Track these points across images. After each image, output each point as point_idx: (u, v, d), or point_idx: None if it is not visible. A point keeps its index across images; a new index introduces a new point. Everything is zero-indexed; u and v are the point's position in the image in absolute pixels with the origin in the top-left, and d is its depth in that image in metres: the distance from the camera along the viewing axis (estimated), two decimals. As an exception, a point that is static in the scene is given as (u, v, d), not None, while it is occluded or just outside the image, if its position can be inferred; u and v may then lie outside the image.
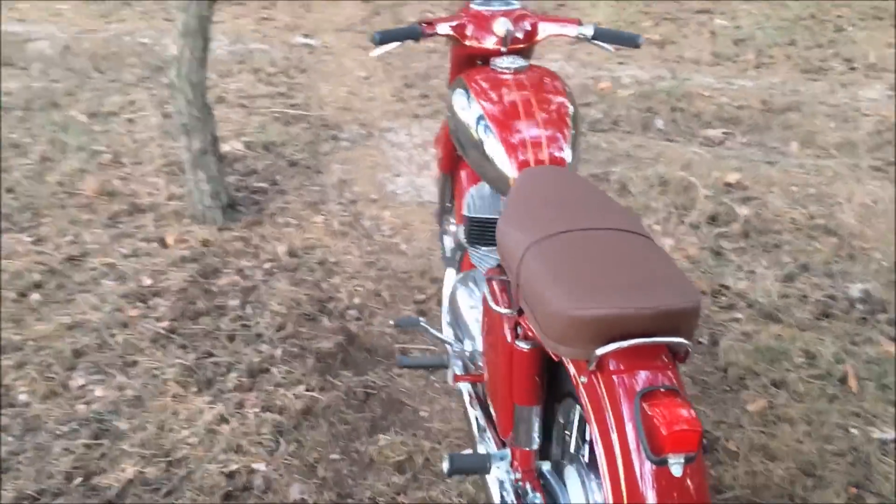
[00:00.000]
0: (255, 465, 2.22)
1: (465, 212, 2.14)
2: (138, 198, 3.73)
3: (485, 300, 1.79)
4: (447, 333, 2.25)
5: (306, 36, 6.65)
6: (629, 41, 2.20)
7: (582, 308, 1.34)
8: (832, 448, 2.24)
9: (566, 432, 1.67)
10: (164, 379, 2.55)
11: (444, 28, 2.16)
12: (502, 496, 1.77)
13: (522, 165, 1.88)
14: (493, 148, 1.92)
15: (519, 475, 1.73)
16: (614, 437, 1.33)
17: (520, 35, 2.16)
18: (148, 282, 3.09)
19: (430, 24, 2.16)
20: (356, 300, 3.01)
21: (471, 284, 2.17)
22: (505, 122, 1.93)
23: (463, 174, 2.52)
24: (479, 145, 1.96)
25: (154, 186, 3.84)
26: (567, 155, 1.90)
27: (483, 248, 2.13)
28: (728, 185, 3.65)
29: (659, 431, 1.24)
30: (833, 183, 3.64)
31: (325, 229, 3.50)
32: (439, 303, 2.99)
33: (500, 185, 1.92)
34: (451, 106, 2.13)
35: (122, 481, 2.16)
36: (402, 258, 3.31)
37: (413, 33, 2.14)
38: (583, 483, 1.59)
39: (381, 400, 2.52)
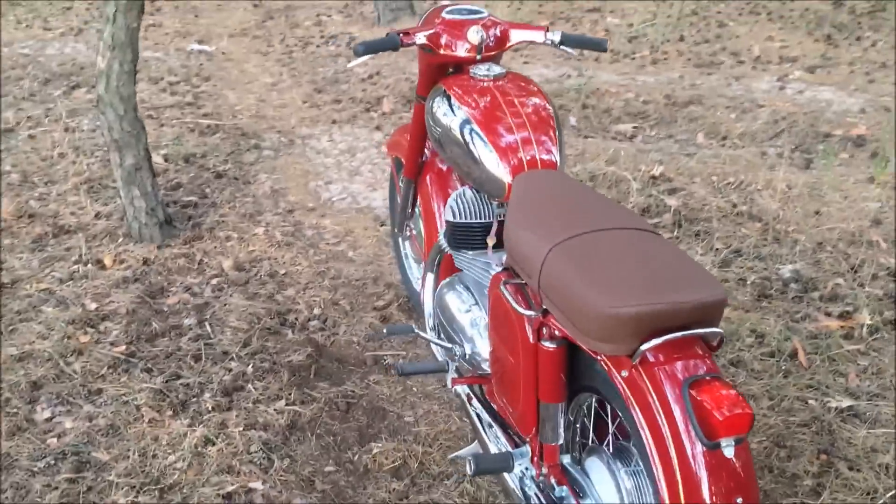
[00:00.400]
0: (251, 485, 2.19)
1: (448, 217, 2.18)
2: (62, 218, 3.59)
3: (496, 303, 1.84)
4: (435, 337, 2.29)
5: (200, 42, 6.51)
6: (596, 46, 2.30)
7: (623, 306, 1.41)
8: (796, 419, 2.41)
9: (578, 425, 1.75)
10: (137, 405, 2.48)
11: (420, 38, 2.20)
12: (524, 493, 1.83)
13: (516, 170, 1.94)
14: (485, 154, 1.97)
15: (543, 470, 1.79)
16: (664, 425, 1.40)
17: (491, 42, 2.22)
18: (93, 306, 2.98)
19: (408, 33, 2.19)
20: (316, 311, 3.00)
21: (459, 288, 2.21)
22: (495, 128, 1.99)
23: (429, 179, 2.56)
24: (468, 152, 2.01)
25: (77, 205, 3.70)
26: (556, 158, 1.97)
27: (469, 252, 2.18)
28: (654, 177, 3.83)
29: (713, 416, 1.33)
30: (748, 171, 3.88)
31: (267, 241, 3.46)
32: (400, 308, 3.02)
33: (493, 189, 1.98)
34: (432, 114, 2.17)
35: (116, 513, 2.09)
36: (351, 266, 3.31)
37: (392, 43, 2.17)
38: (611, 472, 1.67)
39: (364, 409, 2.53)
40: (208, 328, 2.88)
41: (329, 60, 6.06)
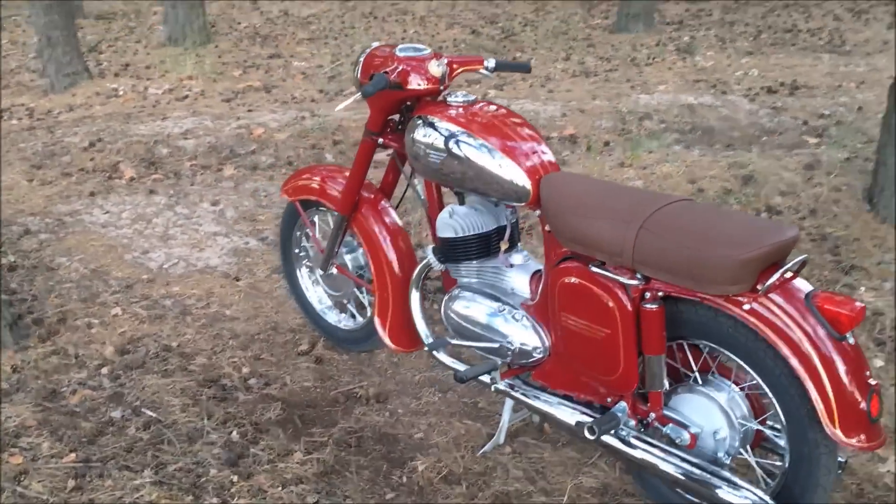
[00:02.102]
0: None
1: (447, 235, 2.41)
2: None
3: (570, 289, 2.12)
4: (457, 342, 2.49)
5: None
6: (523, 68, 2.68)
7: (748, 252, 1.83)
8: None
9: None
10: (150, 500, 2.30)
11: (394, 77, 2.38)
12: (629, 444, 2.14)
13: (533, 175, 2.24)
14: (505, 165, 2.24)
15: (651, 416, 2.13)
16: (795, 331, 1.84)
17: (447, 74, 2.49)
18: None
19: (387, 72, 2.37)
20: (245, 370, 2.96)
21: (472, 296, 2.43)
22: (503, 143, 2.28)
23: (369, 214, 2.73)
24: (483, 167, 2.26)
25: None
26: (555, 160, 2.33)
27: (474, 261, 2.43)
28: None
29: (840, 315, 1.81)
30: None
31: (133, 319, 3.26)
32: (325, 346, 3.09)
33: (516, 196, 2.25)
34: (421, 143, 2.36)
35: None
36: (239, 323, 3.27)
37: (384, 82, 2.33)
38: (708, 398, 2.07)
39: (373, 439, 2.61)
40: (148, 413, 2.69)
41: (27, 135, 5.56)
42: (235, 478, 2.38)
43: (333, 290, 3.03)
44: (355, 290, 2.97)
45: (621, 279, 2.01)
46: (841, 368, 1.82)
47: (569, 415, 2.25)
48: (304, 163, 4.96)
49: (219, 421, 2.65)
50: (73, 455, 2.50)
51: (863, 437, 1.81)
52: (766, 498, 1.93)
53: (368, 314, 2.97)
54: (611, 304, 2.04)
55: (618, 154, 4.58)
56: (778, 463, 2.05)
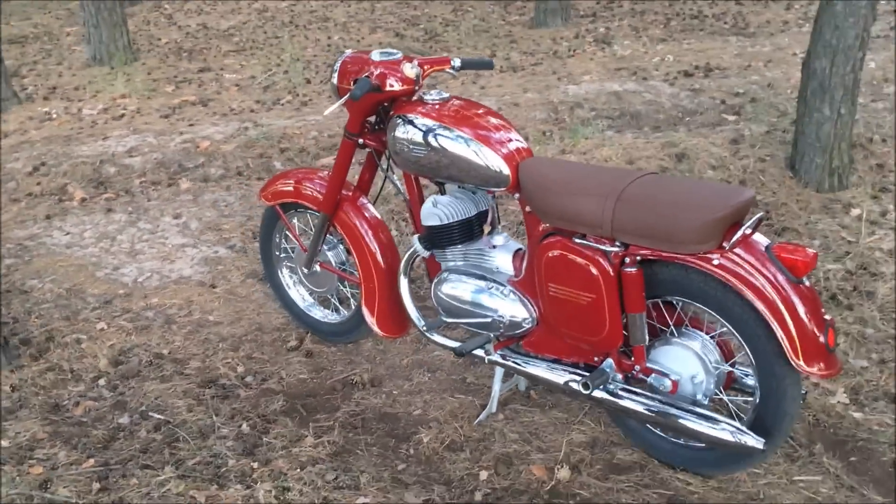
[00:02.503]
0: (357, 502, 2.39)
1: (433, 223, 2.62)
2: None
3: (555, 260, 2.36)
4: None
5: None
6: (486, 66, 2.91)
7: (716, 212, 2.10)
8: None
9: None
10: (178, 492, 2.45)
11: (374, 79, 2.58)
12: (617, 395, 2.39)
13: (511, 161, 2.47)
14: (485, 154, 2.46)
15: (636, 368, 2.38)
16: (759, 279, 2.12)
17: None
18: (4, 443, 2.73)
19: (368, 76, 2.56)
20: (240, 369, 3.11)
21: (460, 278, 2.65)
22: (481, 134, 2.50)
23: (351, 211, 2.93)
24: (465, 157, 2.48)
25: None
26: (527, 146, 2.56)
27: (459, 245, 2.66)
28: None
29: (796, 262, 2.10)
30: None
31: (120, 332, 3.37)
32: (312, 340, 3.26)
33: (497, 182, 2.47)
34: (403, 140, 2.57)
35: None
36: (225, 327, 3.41)
37: (368, 86, 2.53)
38: (685, 348, 2.34)
39: (375, 419, 2.80)
40: (156, 416, 2.83)
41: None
42: (255, 464, 2.54)
43: (317, 286, 3.19)
44: (339, 284, 3.15)
45: (603, 248, 2.25)
46: (800, 308, 2.10)
47: (560, 376, 2.49)
48: (255, 172, 5.09)
49: (226, 416, 2.80)
50: (91, 461, 2.61)
51: (822, 365, 2.10)
52: (744, 428, 2.20)
53: (352, 307, 3.15)
54: (594, 271, 2.28)
55: (557, 142, 4.86)
56: (749, 398, 2.33)
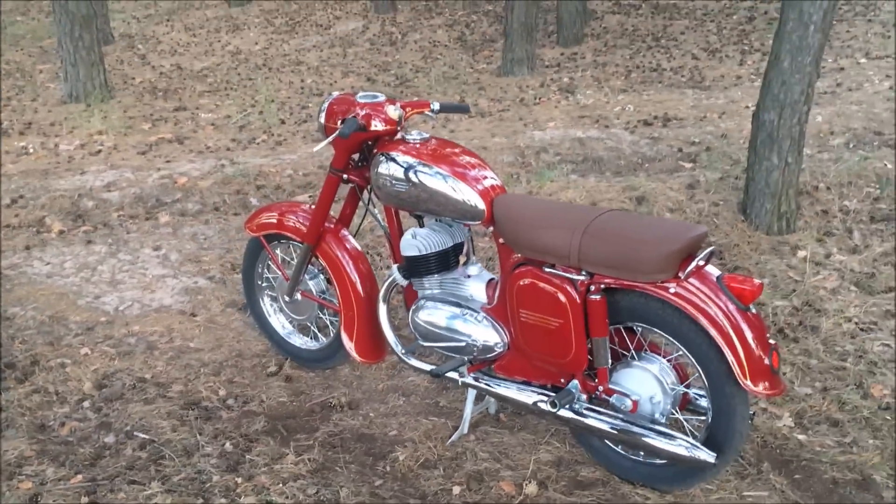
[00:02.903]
0: None
1: (412, 254, 2.81)
2: None
3: (526, 289, 2.56)
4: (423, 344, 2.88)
5: None
6: (463, 110, 3.14)
7: (673, 245, 2.33)
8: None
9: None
10: (167, 506, 2.57)
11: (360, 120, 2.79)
12: (581, 414, 2.59)
13: (486, 197, 2.69)
14: (462, 190, 2.67)
15: (600, 388, 2.58)
16: (711, 307, 2.33)
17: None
18: None
19: (354, 117, 2.77)
20: (222, 392, 3.24)
21: (436, 305, 2.84)
22: (459, 172, 2.71)
23: (333, 242, 3.11)
24: (443, 193, 2.69)
25: None
26: (501, 183, 2.78)
27: (436, 275, 2.85)
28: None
29: (744, 291, 2.33)
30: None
31: (103, 357, 3.49)
32: (291, 366, 3.41)
33: (473, 216, 2.68)
34: (385, 176, 2.77)
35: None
36: (205, 354, 3.55)
37: (356, 125, 2.73)
38: (643, 370, 2.55)
39: (353, 439, 2.95)
40: (141, 436, 2.95)
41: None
42: (239, 479, 2.67)
43: (298, 314, 3.36)
44: (318, 312, 3.31)
45: (570, 276, 2.46)
46: (748, 333, 2.32)
47: (529, 397, 2.67)
48: (231, 208, 5.25)
49: (210, 436, 2.93)
50: (79, 477, 2.73)
51: (767, 384, 2.32)
52: (697, 444, 2.40)
53: (331, 334, 3.32)
54: (562, 297, 2.48)
55: (524, 184, 5.10)
56: (702, 418, 2.54)
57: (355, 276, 3.07)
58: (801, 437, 2.83)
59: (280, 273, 3.30)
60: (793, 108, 4.19)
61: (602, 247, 2.38)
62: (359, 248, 3.14)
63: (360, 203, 3.11)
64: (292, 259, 3.37)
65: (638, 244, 2.34)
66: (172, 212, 4.99)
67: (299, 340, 3.39)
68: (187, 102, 7.82)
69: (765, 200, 4.33)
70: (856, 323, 3.51)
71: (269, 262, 3.41)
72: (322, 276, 3.29)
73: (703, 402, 2.55)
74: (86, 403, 3.16)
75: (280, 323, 3.46)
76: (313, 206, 3.17)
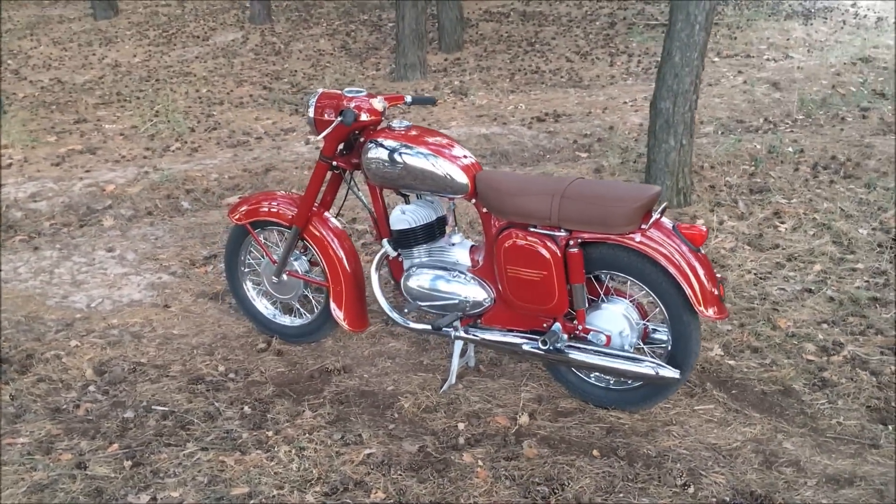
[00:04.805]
0: (366, 451, 2.93)
1: (402, 227, 3.24)
2: None
3: (512, 248, 3.02)
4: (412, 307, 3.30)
5: None
6: (430, 102, 3.58)
7: (638, 201, 2.86)
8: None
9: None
10: (207, 460, 2.88)
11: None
12: (562, 351, 3.08)
13: (468, 172, 3.14)
14: (448, 168, 3.11)
15: (580, 327, 3.08)
16: (669, 250, 2.89)
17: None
18: (21, 441, 3.05)
19: (349, 109, 3.16)
20: (221, 368, 3.54)
21: (427, 272, 3.26)
22: (443, 152, 3.16)
23: (320, 225, 3.49)
24: (430, 171, 3.12)
25: None
26: (477, 161, 3.25)
27: (424, 245, 3.29)
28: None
29: (695, 236, 2.90)
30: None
31: (94, 347, 3.69)
32: (279, 342, 3.74)
33: (457, 190, 3.13)
34: (376, 160, 3.17)
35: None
36: (191, 338, 3.82)
37: (353, 116, 3.13)
38: (613, 308, 3.08)
39: (356, 395, 3.32)
40: (161, 408, 3.23)
41: None
42: (269, 433, 3.00)
43: (284, 293, 3.68)
44: (303, 290, 3.66)
45: (552, 234, 2.95)
46: (699, 269, 2.87)
47: (517, 341, 3.14)
48: (164, 212, 5.46)
49: (226, 403, 3.23)
50: (114, 445, 2.97)
51: (716, 309, 2.87)
52: (661, 363, 2.94)
53: (315, 310, 3.67)
54: (545, 253, 2.97)
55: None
56: (663, 346, 3.08)
57: (341, 253, 3.44)
58: (730, 362, 3.43)
59: (266, 257, 3.61)
60: (684, 96, 4.85)
61: (578, 207, 2.88)
62: (342, 227, 3.51)
63: (345, 185, 3.48)
64: (275, 244, 3.70)
65: (608, 203, 2.85)
66: (116, 216, 5.14)
67: (287, 320, 3.71)
68: (86, 115, 7.83)
69: (665, 178, 4.98)
70: (755, 273, 4.18)
71: (252, 249, 3.71)
72: (305, 258, 3.63)
73: (660, 335, 3.09)
74: (91, 388, 3.37)
75: (264, 305, 3.77)
76: (294, 193, 3.54)
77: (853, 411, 3.07)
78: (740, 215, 4.88)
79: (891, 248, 4.34)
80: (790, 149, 5.83)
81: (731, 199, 5.09)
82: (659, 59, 9.37)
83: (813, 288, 3.98)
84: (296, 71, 9.57)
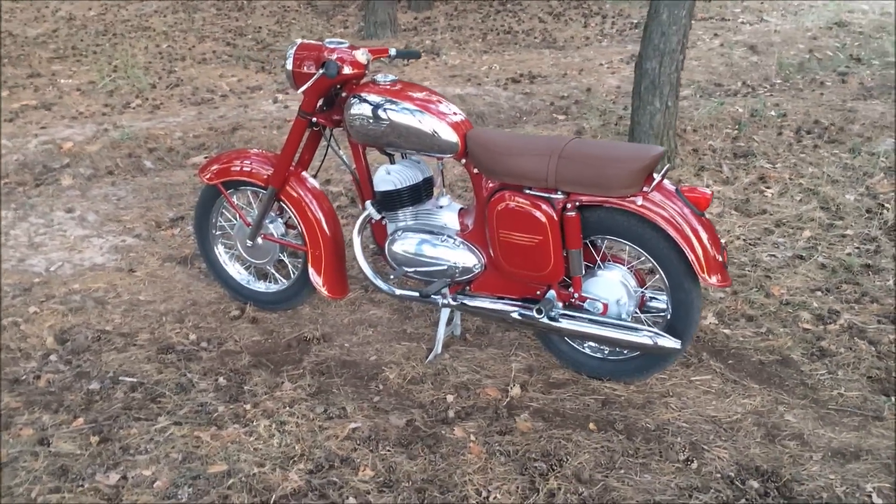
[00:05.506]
0: (352, 425, 2.75)
1: (387, 188, 3.05)
2: None
3: (506, 211, 2.85)
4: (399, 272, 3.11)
5: None
6: (415, 56, 3.37)
7: (639, 162, 2.70)
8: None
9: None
10: (182, 435, 2.69)
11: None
12: (556, 320, 2.93)
13: (459, 131, 2.95)
14: (437, 126, 2.92)
15: (575, 295, 2.92)
16: (673, 214, 2.74)
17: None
18: None
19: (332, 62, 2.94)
20: (193, 336, 3.33)
21: (414, 235, 3.07)
22: (431, 109, 2.96)
23: (297, 185, 3.28)
24: (419, 129, 2.93)
25: None
26: (468, 119, 3.06)
27: (410, 207, 3.11)
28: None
29: (699, 199, 2.75)
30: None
31: (55, 314, 3.47)
32: (252, 309, 3.54)
33: (447, 149, 2.94)
34: (359, 116, 2.96)
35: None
36: (159, 305, 3.60)
37: (337, 68, 2.91)
38: (611, 275, 2.93)
39: (338, 365, 3.15)
40: (129, 379, 3.03)
41: None
42: (247, 406, 2.82)
43: (258, 258, 3.47)
44: (279, 254, 3.45)
45: (548, 196, 2.78)
46: (703, 234, 2.73)
47: (509, 309, 2.98)
48: (126, 172, 5.20)
49: (199, 374, 3.04)
50: (79, 420, 2.77)
51: (720, 276, 2.74)
52: (660, 331, 2.80)
53: (292, 276, 3.47)
54: (541, 217, 2.80)
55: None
56: (662, 314, 2.94)
57: (320, 215, 3.24)
58: (725, 331, 3.32)
59: (240, 219, 3.40)
60: (671, 56, 4.70)
61: (576, 168, 2.71)
62: (319, 187, 3.31)
63: (325, 142, 3.27)
64: (249, 205, 3.48)
65: (609, 164, 2.68)
66: (75, 175, 4.87)
67: (262, 285, 3.51)
68: (40, 69, 7.45)
69: (649, 141, 4.83)
70: (744, 240, 4.07)
71: (224, 210, 3.49)
72: (280, 220, 3.43)
73: (659, 303, 2.95)
74: (52, 357, 3.15)
75: (237, 270, 3.56)
76: (267, 151, 3.32)
77: (854, 382, 2.97)
78: (725, 180, 4.76)
79: (879, 214, 4.25)
80: (773, 113, 5.72)
81: (715, 163, 4.97)
82: (633, 21, 9.22)
83: (804, 254, 3.88)
84: (260, 27, 9.24)
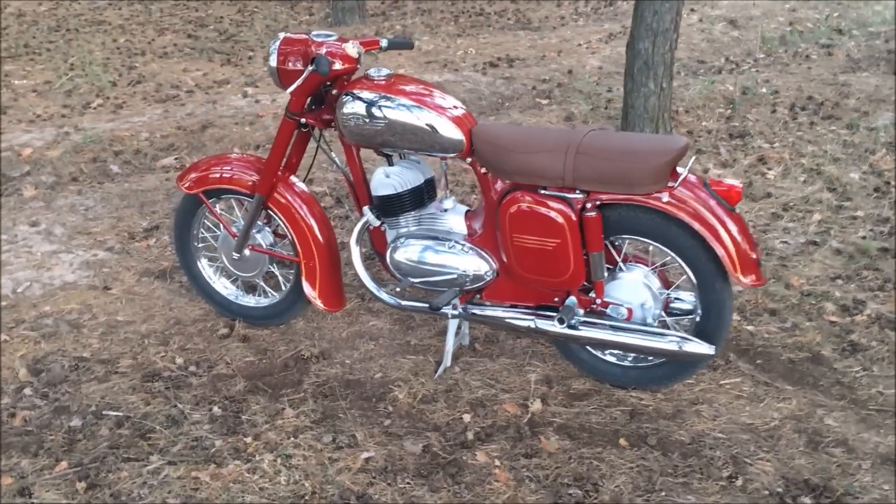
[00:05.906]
0: (364, 455, 2.53)
1: (387, 192, 2.81)
2: None
3: (519, 213, 2.62)
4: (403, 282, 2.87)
5: None
6: (407, 46, 3.12)
7: (665, 156, 2.48)
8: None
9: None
10: (177, 476, 2.45)
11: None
12: (576, 328, 2.71)
13: (463, 127, 2.72)
14: (440, 123, 2.68)
15: (598, 301, 2.71)
16: (703, 210, 2.53)
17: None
18: None
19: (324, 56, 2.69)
20: (179, 360, 3.07)
21: (418, 242, 2.84)
22: (432, 105, 2.72)
23: (286, 192, 3.03)
24: (420, 127, 2.68)
25: None
26: (470, 113, 2.82)
27: (411, 212, 2.86)
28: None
29: (730, 193, 2.54)
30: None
31: (26, 342, 3.18)
32: (242, 326, 3.29)
33: (452, 147, 2.70)
34: (352, 116, 2.70)
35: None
36: (140, 325, 3.33)
37: (328, 63, 2.65)
38: (634, 278, 2.71)
39: (343, 386, 2.90)
40: (114, 413, 2.77)
41: None
42: (247, 439, 2.57)
43: (246, 271, 3.21)
44: (268, 266, 3.19)
45: (566, 196, 2.55)
46: (735, 230, 2.53)
47: (526, 318, 2.75)
48: (92, 178, 4.89)
49: (191, 404, 2.78)
50: (63, 464, 2.51)
51: (754, 276, 2.54)
52: (689, 336, 2.60)
53: (283, 289, 3.22)
54: (559, 218, 2.57)
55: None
56: (689, 317, 2.73)
57: (312, 222, 3.00)
58: (749, 328, 3.13)
59: (224, 230, 3.14)
60: (664, 35, 4.49)
61: (596, 164, 2.49)
62: (309, 192, 3.06)
63: (315, 143, 3.01)
64: (232, 215, 3.22)
65: (632, 158, 2.46)
66: (37, 184, 4.55)
67: (252, 300, 3.26)
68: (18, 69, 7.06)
69: (644, 124, 4.63)
70: (753, 226, 3.89)
71: (206, 221, 3.23)
72: (268, 229, 3.17)
73: (684, 306, 2.74)
74: (27, 391, 2.88)
75: (223, 284, 3.30)
76: (249, 155, 3.06)
77: (891, 378, 2.80)
78: (724, 162, 4.58)
79: (888, 193, 4.09)
80: (764, 90, 5.54)
81: (711, 145, 4.78)
82: (607, -1, 9.00)
83: (817, 240, 3.71)
84: (222, 17, 8.89)
